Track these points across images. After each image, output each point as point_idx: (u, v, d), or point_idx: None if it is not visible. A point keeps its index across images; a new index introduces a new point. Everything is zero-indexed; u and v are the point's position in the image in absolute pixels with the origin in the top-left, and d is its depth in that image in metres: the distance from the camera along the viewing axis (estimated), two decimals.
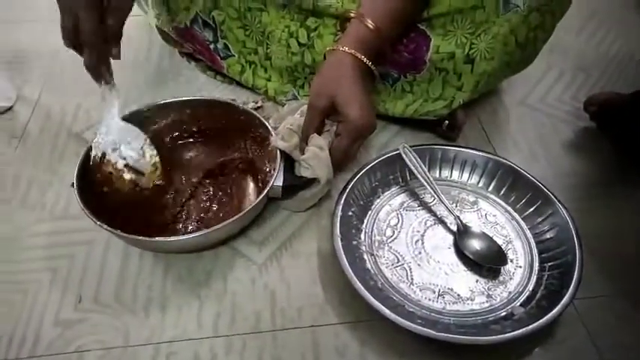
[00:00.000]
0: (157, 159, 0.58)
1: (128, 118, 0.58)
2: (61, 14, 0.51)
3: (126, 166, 0.56)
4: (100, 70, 0.54)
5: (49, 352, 0.49)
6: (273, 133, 0.60)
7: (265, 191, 0.55)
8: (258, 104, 0.73)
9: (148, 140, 0.58)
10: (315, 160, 0.56)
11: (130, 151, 0.56)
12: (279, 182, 0.56)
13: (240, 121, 0.63)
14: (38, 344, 0.50)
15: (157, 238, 0.50)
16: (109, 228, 0.49)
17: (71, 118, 0.74)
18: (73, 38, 0.52)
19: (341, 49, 0.57)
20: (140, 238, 0.50)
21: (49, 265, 0.56)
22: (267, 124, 0.61)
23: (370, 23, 0.57)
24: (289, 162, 0.58)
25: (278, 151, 0.58)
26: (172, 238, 0.51)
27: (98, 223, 0.50)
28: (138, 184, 0.57)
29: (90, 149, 0.56)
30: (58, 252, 0.57)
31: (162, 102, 0.63)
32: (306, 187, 0.59)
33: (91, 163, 0.56)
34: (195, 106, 0.64)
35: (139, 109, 0.62)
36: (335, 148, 0.58)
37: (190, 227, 0.58)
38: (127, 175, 0.56)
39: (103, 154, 0.56)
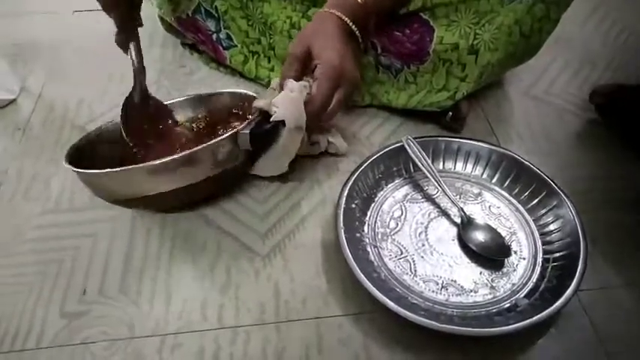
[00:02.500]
0: None
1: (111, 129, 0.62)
2: None
3: None
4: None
5: (54, 344, 0.50)
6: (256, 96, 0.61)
7: (230, 132, 0.54)
8: None
9: None
10: (283, 100, 0.54)
11: None
12: (246, 130, 0.54)
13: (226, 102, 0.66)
14: (44, 336, 0.50)
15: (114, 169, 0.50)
16: (72, 168, 0.51)
17: (74, 110, 0.74)
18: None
19: (325, 10, 0.57)
20: (100, 171, 0.50)
21: (54, 257, 0.56)
22: (250, 93, 0.63)
23: None
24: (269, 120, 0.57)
25: (258, 111, 0.57)
26: (132, 167, 0.50)
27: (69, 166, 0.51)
28: None
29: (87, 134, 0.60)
30: (63, 244, 0.58)
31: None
32: (277, 137, 0.57)
33: None
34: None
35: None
36: (313, 94, 0.56)
37: None
38: None
39: None
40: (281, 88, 0.58)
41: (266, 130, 0.56)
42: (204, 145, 0.52)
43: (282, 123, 0.55)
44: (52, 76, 0.80)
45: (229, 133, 0.54)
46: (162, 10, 0.76)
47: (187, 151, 0.51)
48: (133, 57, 0.62)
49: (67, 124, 0.72)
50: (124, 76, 0.79)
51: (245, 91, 0.66)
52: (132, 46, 0.62)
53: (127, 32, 0.61)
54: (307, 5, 0.67)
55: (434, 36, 0.61)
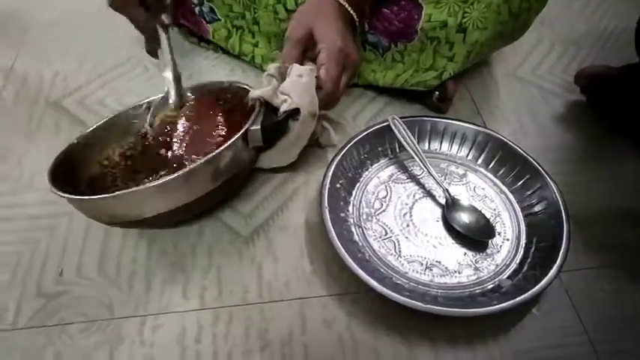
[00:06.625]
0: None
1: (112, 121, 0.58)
2: None
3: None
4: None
5: (30, 325, 0.48)
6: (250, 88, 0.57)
7: (241, 132, 0.50)
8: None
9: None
10: (295, 86, 0.51)
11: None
12: (257, 125, 0.51)
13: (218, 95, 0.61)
14: (20, 316, 0.49)
15: (118, 193, 0.44)
16: (68, 195, 0.46)
17: (49, 85, 0.71)
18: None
19: None
20: (107, 196, 0.44)
21: (29, 236, 0.55)
22: (243, 85, 0.59)
23: None
24: (272, 109, 0.54)
25: (257, 102, 0.54)
26: (140, 187, 0.45)
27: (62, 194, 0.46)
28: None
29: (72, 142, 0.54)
30: (39, 223, 0.56)
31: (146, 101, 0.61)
32: (287, 127, 0.54)
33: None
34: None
35: (124, 111, 0.60)
36: (321, 77, 0.53)
37: None
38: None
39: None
40: (282, 74, 0.55)
41: (278, 122, 0.53)
42: (212, 154, 0.47)
43: (294, 111, 0.52)
44: (24, 49, 0.77)
45: (241, 132, 0.50)
46: None
47: (194, 165, 0.46)
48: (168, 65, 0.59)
49: (41, 98, 0.69)
50: (101, 49, 0.76)
51: (231, 81, 0.61)
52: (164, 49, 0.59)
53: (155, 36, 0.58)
54: None
55: (422, 13, 0.60)
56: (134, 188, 0.45)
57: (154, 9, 0.58)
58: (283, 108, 0.52)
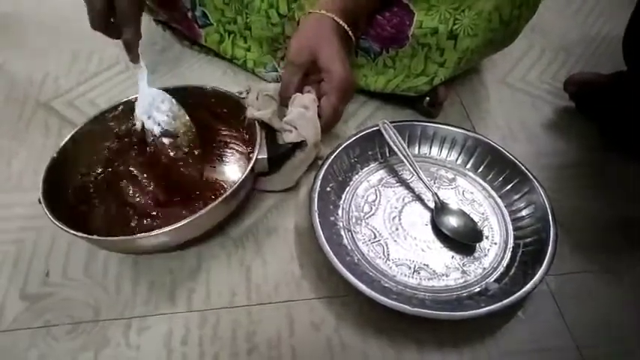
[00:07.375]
0: (187, 118, 0.56)
1: (94, 121, 0.57)
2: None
3: (162, 131, 0.56)
4: (137, 46, 0.56)
5: (14, 327, 0.48)
6: (246, 104, 0.56)
7: (250, 167, 0.51)
8: (242, 95, 0.64)
9: (174, 100, 0.56)
10: (302, 120, 0.53)
11: (161, 115, 0.56)
12: (264, 154, 0.53)
13: (210, 104, 0.60)
14: (3, 318, 0.48)
15: (137, 235, 0.45)
16: (92, 237, 0.45)
17: (38, 86, 0.71)
18: (104, 21, 0.54)
19: (319, 11, 0.56)
20: (124, 238, 0.47)
21: (15, 237, 0.54)
22: (236, 96, 0.58)
23: None
24: (270, 132, 0.55)
25: (256, 123, 0.55)
26: (154, 232, 0.45)
27: (78, 234, 0.46)
28: (177, 146, 0.56)
29: (53, 159, 0.52)
30: (25, 224, 0.55)
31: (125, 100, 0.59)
32: (292, 155, 0.55)
33: (134, 136, 0.57)
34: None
35: (103, 112, 0.58)
36: (324, 107, 0.54)
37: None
38: (166, 140, 0.56)
39: (143, 125, 0.55)
40: (282, 97, 0.56)
41: (284, 152, 0.55)
42: (227, 193, 0.48)
43: (300, 142, 0.54)
44: (13, 49, 0.77)
45: (249, 167, 0.51)
46: None
47: (210, 206, 0.46)
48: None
49: (31, 99, 0.69)
50: (92, 50, 0.76)
51: (224, 90, 0.59)
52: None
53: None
54: None
55: (413, 20, 0.60)
56: (150, 233, 0.45)
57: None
58: (289, 139, 0.53)
